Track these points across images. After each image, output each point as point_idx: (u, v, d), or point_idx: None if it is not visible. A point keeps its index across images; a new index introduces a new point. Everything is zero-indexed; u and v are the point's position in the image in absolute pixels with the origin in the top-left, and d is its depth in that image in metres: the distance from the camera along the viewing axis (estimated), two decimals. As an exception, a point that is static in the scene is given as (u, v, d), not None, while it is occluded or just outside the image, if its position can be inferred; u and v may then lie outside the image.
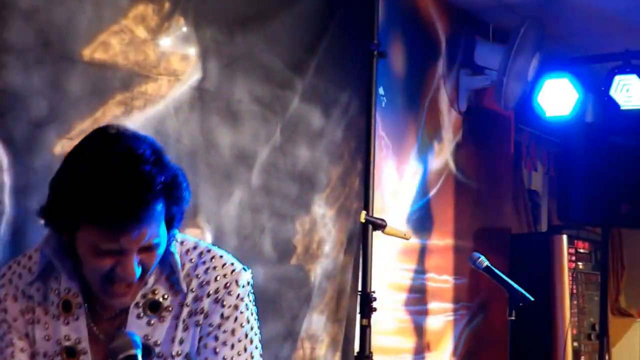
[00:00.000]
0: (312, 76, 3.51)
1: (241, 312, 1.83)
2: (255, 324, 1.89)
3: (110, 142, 1.74)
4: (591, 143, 4.97)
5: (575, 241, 5.56)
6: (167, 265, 1.83)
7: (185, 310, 1.81)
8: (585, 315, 5.61)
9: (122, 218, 1.66)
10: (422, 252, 4.47)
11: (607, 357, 5.32)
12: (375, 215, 3.60)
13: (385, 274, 4.09)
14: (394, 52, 4.19)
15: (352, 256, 3.77)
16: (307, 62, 3.50)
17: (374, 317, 3.46)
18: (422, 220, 4.46)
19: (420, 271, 4.44)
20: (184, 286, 1.82)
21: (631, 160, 4.83)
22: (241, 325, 1.84)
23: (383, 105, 4.06)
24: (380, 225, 3.43)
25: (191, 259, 1.85)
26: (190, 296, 1.82)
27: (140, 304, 1.81)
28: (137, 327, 1.80)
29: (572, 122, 4.91)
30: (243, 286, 1.85)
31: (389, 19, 4.10)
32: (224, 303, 1.82)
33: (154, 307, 1.82)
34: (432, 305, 4.54)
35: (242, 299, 1.84)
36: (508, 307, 3.48)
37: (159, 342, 1.81)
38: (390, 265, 4.17)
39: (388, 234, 3.47)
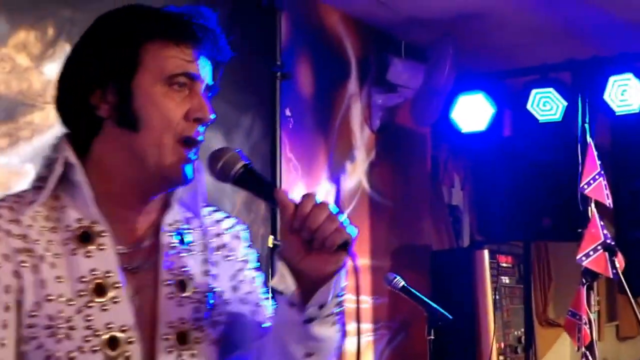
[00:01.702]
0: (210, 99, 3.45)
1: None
2: None
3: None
4: (509, 157, 4.99)
5: (498, 255, 5.57)
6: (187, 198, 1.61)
7: (210, 247, 1.60)
8: (511, 328, 5.62)
9: (202, 24, 1.47)
10: (340, 274, 4.41)
11: (535, 368, 5.34)
12: (285, 239, 3.54)
13: (301, 297, 4.03)
14: (301, 72, 4.15)
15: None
16: (204, 84, 3.44)
17: (291, 341, 3.38)
18: (337, 242, 4.40)
19: (337, 293, 4.38)
20: (202, 220, 1.60)
21: (550, 173, 4.85)
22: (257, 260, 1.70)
23: (290, 126, 4.01)
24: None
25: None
26: (211, 232, 1.61)
27: (171, 232, 1.56)
28: (169, 255, 1.54)
29: (488, 137, 4.92)
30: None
31: (294, 39, 4.07)
32: (243, 238, 1.67)
33: (181, 239, 1.57)
34: (351, 326, 4.47)
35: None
36: (427, 326, 3.46)
37: (193, 276, 1.56)
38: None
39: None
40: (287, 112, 3.94)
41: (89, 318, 1.45)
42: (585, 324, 4.33)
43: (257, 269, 1.69)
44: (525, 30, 4.78)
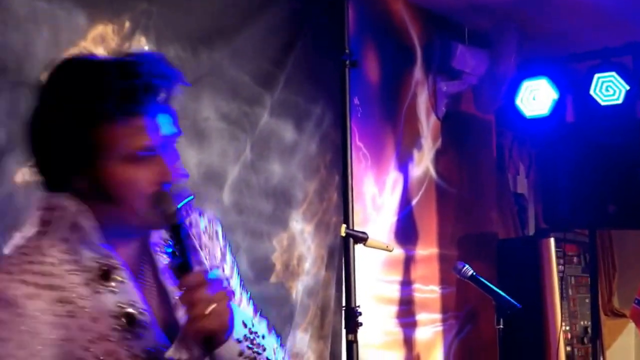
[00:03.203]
0: (281, 90, 3.47)
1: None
2: None
3: (87, 58, 1.59)
4: (574, 143, 4.92)
5: (564, 244, 5.49)
6: None
7: (195, 248, 1.67)
8: (577, 318, 5.54)
9: (144, 79, 1.48)
10: (407, 263, 4.41)
11: (602, 359, 5.25)
12: (356, 228, 3.53)
13: (371, 287, 4.03)
14: (368, 61, 4.13)
15: (334, 271, 3.72)
16: (276, 76, 3.45)
17: (361, 332, 3.38)
18: (406, 231, 4.40)
19: (407, 282, 4.38)
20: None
21: (614, 159, 4.78)
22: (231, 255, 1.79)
23: (359, 115, 4.00)
24: (361, 239, 3.36)
25: None
26: (191, 234, 1.66)
27: (159, 251, 1.65)
28: (169, 275, 1.62)
29: (551, 123, 4.86)
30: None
31: (361, 28, 4.05)
32: (219, 236, 1.75)
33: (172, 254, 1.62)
34: (421, 316, 4.48)
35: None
36: (495, 315, 3.43)
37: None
38: (375, 278, 4.10)
39: (370, 247, 3.40)
40: (356, 101, 3.92)
41: (128, 347, 1.53)
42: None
43: (232, 263, 1.78)
44: (587, 14, 4.71)
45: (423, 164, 4.57)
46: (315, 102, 3.64)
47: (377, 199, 4.17)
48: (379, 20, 4.27)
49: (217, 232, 1.74)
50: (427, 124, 4.61)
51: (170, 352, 1.52)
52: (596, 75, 4.71)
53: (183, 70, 2.98)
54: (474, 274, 3.51)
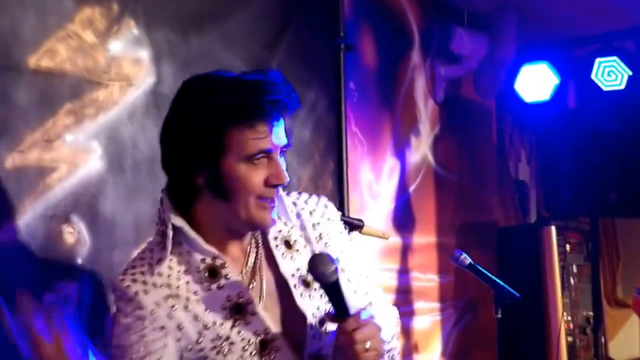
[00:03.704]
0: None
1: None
2: None
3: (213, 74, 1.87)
4: (575, 129, 4.87)
5: (565, 232, 5.42)
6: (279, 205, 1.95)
7: (312, 238, 1.96)
8: (579, 308, 5.47)
9: (273, 97, 1.77)
10: (405, 251, 4.36)
11: (604, 350, 5.20)
12: (353, 216, 3.48)
13: (367, 276, 3.97)
14: (364, 44, 4.06)
15: (330, 259, 3.65)
16: (268, 60, 3.38)
17: (358, 321, 3.32)
18: (403, 218, 4.35)
19: (404, 271, 4.33)
20: (298, 219, 1.96)
21: (615, 145, 4.72)
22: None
23: (355, 100, 3.93)
24: (357, 226, 3.30)
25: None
26: (308, 225, 1.96)
27: (279, 244, 1.93)
28: (287, 265, 1.91)
29: (553, 109, 4.80)
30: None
31: (356, 10, 3.98)
32: (334, 219, 2.01)
33: (287, 245, 1.94)
34: (418, 305, 4.43)
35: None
36: (494, 305, 3.37)
37: (304, 273, 1.92)
38: (372, 266, 4.04)
39: (366, 234, 3.34)
40: (352, 86, 3.85)
41: (240, 333, 1.85)
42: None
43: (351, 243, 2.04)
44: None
45: (421, 150, 4.51)
46: (308, 87, 3.57)
47: (373, 186, 4.11)
48: (376, 3, 4.20)
49: (331, 216, 2.01)
50: (425, 110, 4.55)
51: None
52: (598, 60, 4.67)
53: (173, 54, 2.98)
54: (472, 262, 3.45)
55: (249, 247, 1.92)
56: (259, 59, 3.34)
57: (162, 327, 1.83)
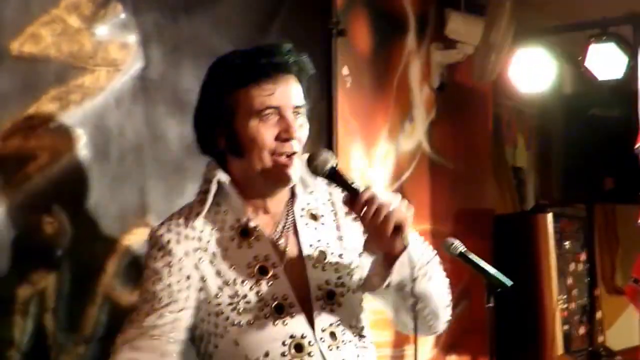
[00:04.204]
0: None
1: None
2: None
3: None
4: (570, 116, 4.86)
5: (562, 219, 5.39)
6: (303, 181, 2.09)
7: (339, 212, 2.10)
8: (576, 296, 5.45)
9: (277, 58, 1.97)
10: (398, 239, 4.30)
11: (602, 338, 5.18)
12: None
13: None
14: (357, 29, 3.99)
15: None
16: (259, 44, 3.31)
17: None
18: (397, 206, 4.29)
19: (397, 259, 4.27)
20: (325, 194, 2.11)
21: (611, 132, 4.70)
22: None
23: (348, 86, 3.87)
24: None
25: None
26: (338, 201, 2.07)
27: (304, 214, 2.07)
28: (307, 234, 2.05)
29: (549, 95, 4.76)
30: None
31: (349, -7, 3.91)
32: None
33: (313, 217, 2.08)
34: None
35: None
36: (486, 293, 3.34)
37: (329, 243, 2.06)
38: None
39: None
40: (345, 71, 3.79)
41: (259, 293, 1.97)
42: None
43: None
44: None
45: (415, 136, 4.44)
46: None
47: (366, 173, 4.06)
48: (369, -14, 4.13)
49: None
50: (420, 95, 4.48)
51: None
52: (594, 46, 4.63)
53: (162, 38, 2.92)
54: (463, 251, 3.40)
55: (283, 214, 2.06)
56: (249, 43, 3.26)
57: (188, 277, 1.97)
